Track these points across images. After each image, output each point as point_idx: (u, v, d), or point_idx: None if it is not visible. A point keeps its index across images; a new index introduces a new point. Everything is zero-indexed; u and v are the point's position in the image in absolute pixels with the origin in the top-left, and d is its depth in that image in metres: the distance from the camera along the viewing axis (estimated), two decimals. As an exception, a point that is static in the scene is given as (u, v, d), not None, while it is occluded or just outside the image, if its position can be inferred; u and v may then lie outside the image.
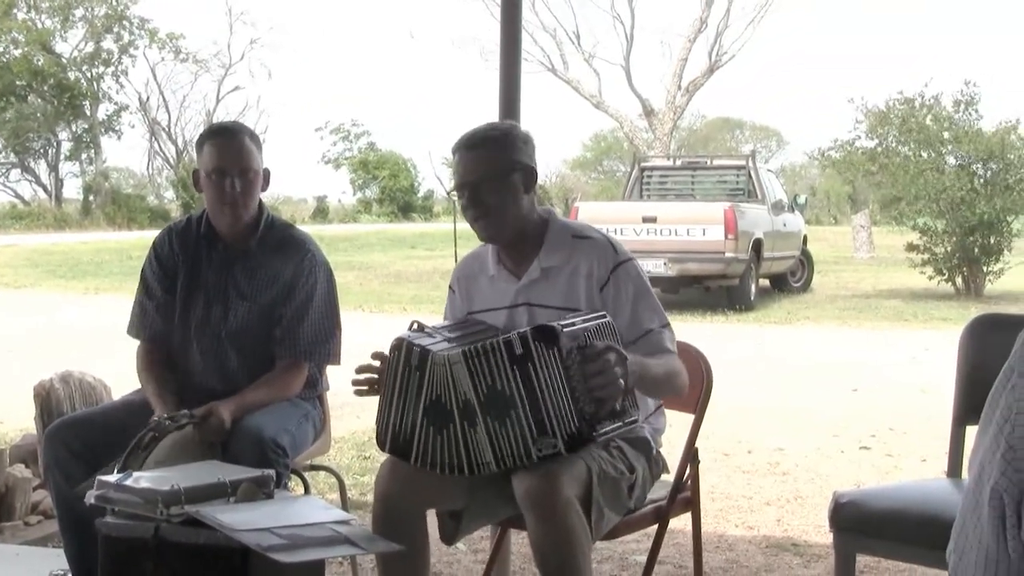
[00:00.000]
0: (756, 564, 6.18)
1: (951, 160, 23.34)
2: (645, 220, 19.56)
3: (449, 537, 4.11)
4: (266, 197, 4.77)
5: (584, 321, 3.81)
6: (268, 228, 4.66)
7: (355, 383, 3.98)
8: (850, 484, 4.24)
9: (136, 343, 4.74)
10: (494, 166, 4.04)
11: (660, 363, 3.96)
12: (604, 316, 3.91)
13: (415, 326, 3.97)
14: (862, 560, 4.66)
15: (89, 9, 47.09)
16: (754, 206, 21.36)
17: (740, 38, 38.26)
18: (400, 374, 3.84)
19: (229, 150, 4.55)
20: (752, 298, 20.51)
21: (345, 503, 4.85)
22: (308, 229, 5.04)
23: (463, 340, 3.90)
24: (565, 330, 3.68)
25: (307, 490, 4.73)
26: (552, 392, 3.64)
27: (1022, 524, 1.99)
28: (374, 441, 4.01)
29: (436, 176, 48.08)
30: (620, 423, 3.80)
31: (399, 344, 3.85)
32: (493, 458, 3.74)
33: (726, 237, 19.43)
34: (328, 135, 55.64)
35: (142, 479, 3.75)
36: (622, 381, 3.66)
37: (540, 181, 4.33)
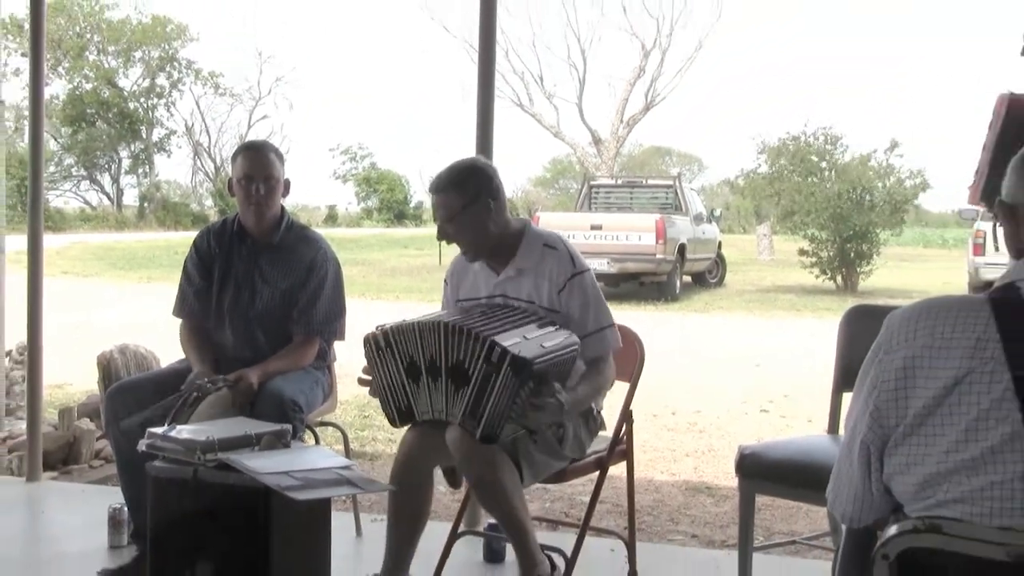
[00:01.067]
0: (677, 503, 6.21)
1: (829, 185, 23.59)
2: (592, 228, 19.62)
3: (455, 483, 4.18)
4: (287, 204, 4.78)
5: (558, 353, 3.80)
6: (288, 228, 4.67)
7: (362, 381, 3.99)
8: (752, 439, 4.25)
9: (177, 322, 4.74)
10: (452, 209, 4.02)
11: (590, 387, 4.00)
12: (575, 348, 3.90)
13: (377, 329, 3.97)
14: (761, 500, 4.67)
15: (146, 52, 47.06)
16: (679, 217, 21.44)
17: (670, 83, 38.46)
18: (378, 362, 3.85)
19: (257, 161, 4.58)
20: (677, 291, 20.61)
21: (348, 453, 4.84)
22: (320, 231, 5.03)
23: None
24: (537, 364, 3.66)
25: (317, 441, 4.70)
26: (497, 400, 3.64)
27: (883, 469, 2.01)
28: (371, 404, 4.00)
29: (425, 190, 48.02)
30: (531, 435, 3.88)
31: (365, 342, 3.88)
32: (444, 408, 3.75)
33: (657, 242, 19.55)
34: (338, 156, 55.35)
35: (184, 431, 3.74)
36: (546, 421, 3.78)
37: (509, 195, 4.30)
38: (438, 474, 4.14)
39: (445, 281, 4.37)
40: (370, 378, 3.92)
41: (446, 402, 3.75)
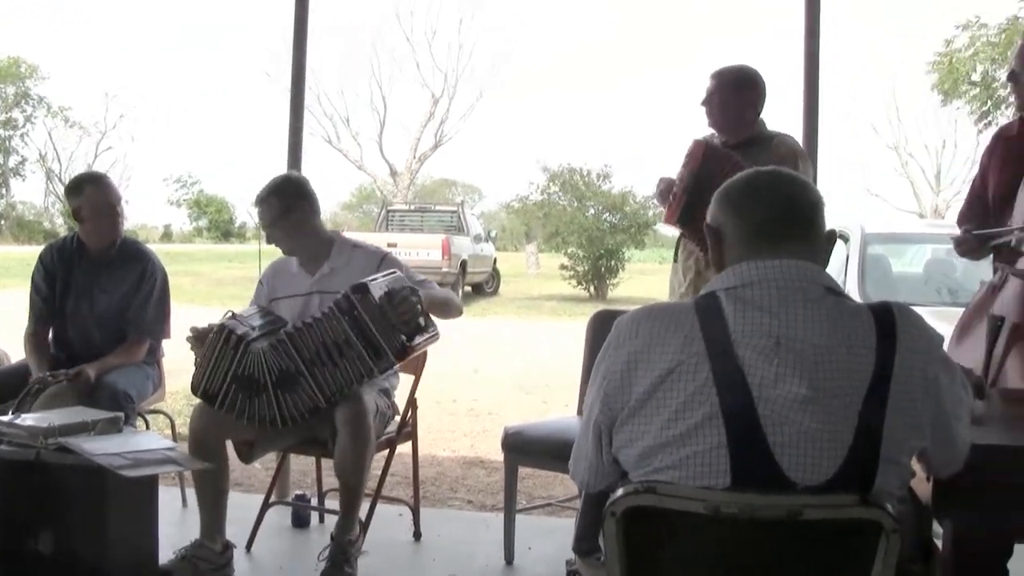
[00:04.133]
0: (456, 475, 6.24)
1: (591, 211, 24.02)
2: (389, 245, 19.37)
3: (245, 458, 4.07)
4: (129, 224, 4.68)
5: (383, 276, 3.85)
6: (122, 244, 4.55)
7: (189, 339, 3.90)
8: (519, 421, 4.32)
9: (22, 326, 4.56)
10: (274, 213, 4.10)
11: (439, 291, 4.16)
12: (395, 271, 3.96)
13: (229, 314, 3.91)
14: (524, 470, 4.73)
15: (3, 89, 45.09)
16: (462, 237, 21.60)
17: (455, 126, 38.82)
18: (218, 348, 3.75)
19: (107, 193, 4.46)
20: (459, 299, 20.66)
21: (175, 436, 4.73)
22: (158, 247, 4.97)
23: (266, 330, 3.86)
24: (372, 283, 3.72)
25: (147, 427, 4.59)
26: (377, 325, 3.65)
27: (612, 444, 2.06)
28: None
29: (248, 212, 47.07)
30: (428, 335, 3.89)
31: (221, 328, 3.78)
32: (352, 378, 3.70)
33: (443, 258, 19.73)
34: (172, 183, 53.66)
35: (28, 419, 3.61)
36: (419, 306, 3.80)
37: (321, 218, 4.31)
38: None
39: (260, 282, 4.34)
40: (199, 342, 3.84)
41: (351, 373, 3.70)
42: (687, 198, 3.84)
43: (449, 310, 4.13)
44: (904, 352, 1.94)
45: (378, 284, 3.76)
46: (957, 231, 3.72)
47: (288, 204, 4.10)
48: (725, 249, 2.11)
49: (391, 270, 3.98)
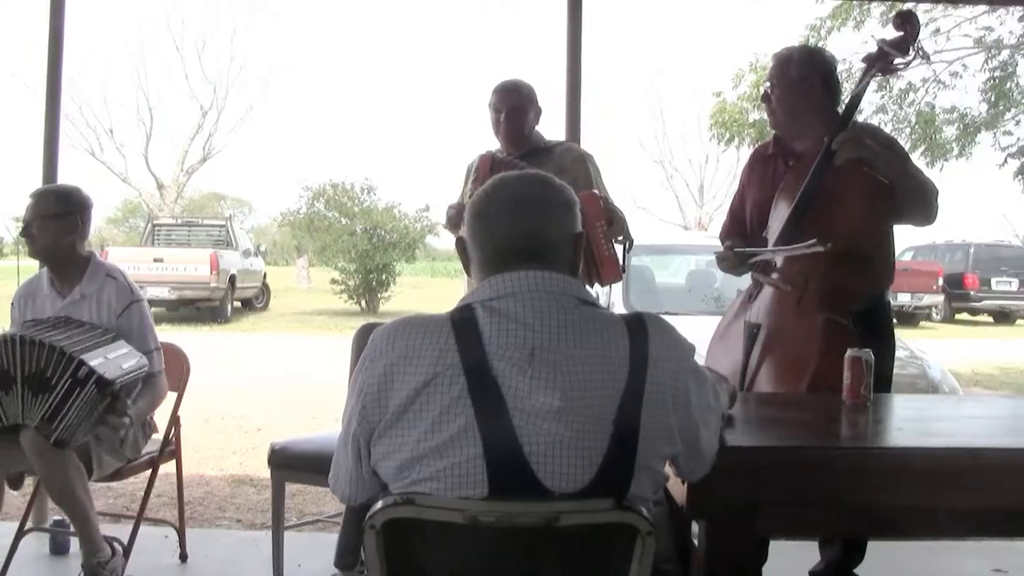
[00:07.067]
0: (225, 494, 6.09)
1: (360, 226, 23.92)
2: (155, 260, 19.05)
3: (14, 484, 4.00)
4: None
5: (133, 373, 3.77)
6: None
7: None
8: (289, 437, 4.25)
9: None
10: (46, 211, 3.97)
11: (147, 401, 3.99)
12: (144, 368, 3.87)
13: None
14: (295, 487, 4.65)
15: None
16: (231, 252, 21.16)
17: (224, 139, 37.91)
18: None
19: None
20: (229, 314, 20.31)
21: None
22: None
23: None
24: (118, 382, 3.62)
25: None
26: (77, 411, 3.56)
27: (371, 457, 2.04)
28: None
29: (6, 227, 44.67)
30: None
31: None
32: (20, 413, 3.60)
33: (211, 273, 19.26)
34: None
35: None
36: (122, 432, 3.74)
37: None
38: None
39: (12, 304, 4.16)
40: None
41: (22, 408, 3.59)
42: None
43: (149, 412, 4.11)
44: (656, 361, 2.00)
45: (122, 384, 3.67)
46: (718, 243, 3.86)
47: (64, 210, 3.99)
48: (471, 263, 2.13)
49: (141, 369, 3.86)
